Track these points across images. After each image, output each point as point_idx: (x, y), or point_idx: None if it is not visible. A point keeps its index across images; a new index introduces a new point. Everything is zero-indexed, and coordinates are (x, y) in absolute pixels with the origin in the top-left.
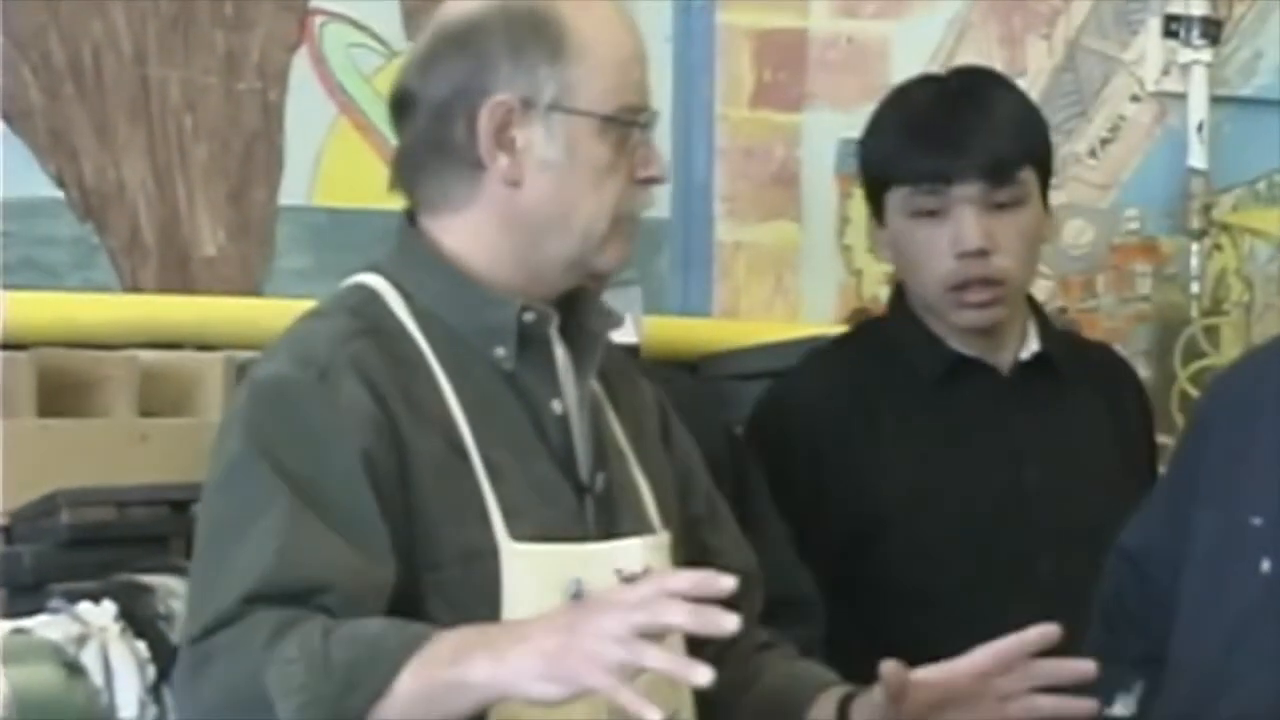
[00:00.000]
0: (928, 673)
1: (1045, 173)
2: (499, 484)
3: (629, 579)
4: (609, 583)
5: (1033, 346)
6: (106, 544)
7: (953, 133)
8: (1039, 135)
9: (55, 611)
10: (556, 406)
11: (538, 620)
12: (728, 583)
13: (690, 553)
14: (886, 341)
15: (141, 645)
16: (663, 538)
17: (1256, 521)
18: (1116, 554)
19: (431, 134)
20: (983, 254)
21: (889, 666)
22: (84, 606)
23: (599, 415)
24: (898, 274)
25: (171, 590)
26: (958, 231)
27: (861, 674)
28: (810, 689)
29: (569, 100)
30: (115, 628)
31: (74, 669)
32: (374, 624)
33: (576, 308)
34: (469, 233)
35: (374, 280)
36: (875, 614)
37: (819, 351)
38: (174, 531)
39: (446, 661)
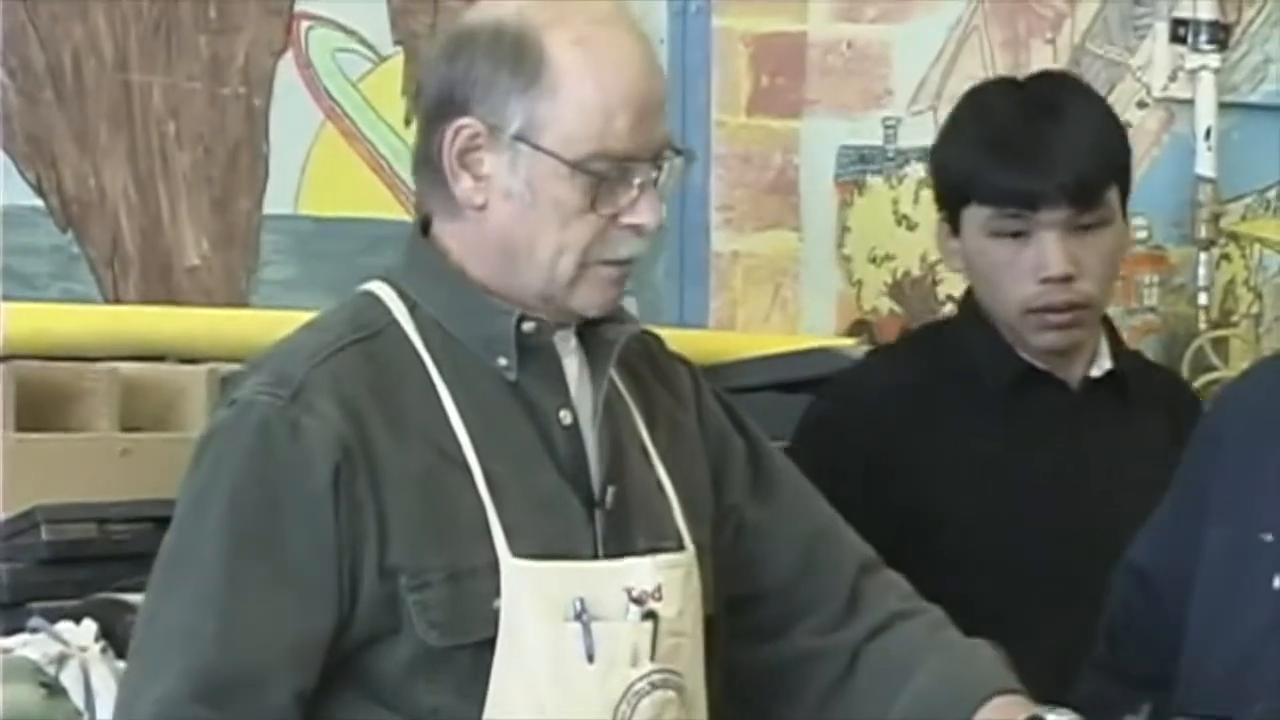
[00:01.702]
0: None
1: (1126, 188)
2: (499, 498)
3: (639, 599)
4: (618, 602)
5: (1104, 364)
6: (87, 561)
7: (1038, 153)
8: (1122, 151)
9: (35, 631)
10: (565, 417)
11: None
12: None
13: (725, 541)
14: (954, 346)
15: (122, 665)
16: (682, 556)
17: (1268, 538)
18: (1123, 570)
19: (421, 143)
20: (1067, 279)
21: None
22: (64, 626)
23: (619, 424)
24: (971, 285)
25: None
26: (1041, 257)
27: None
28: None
29: (534, 136)
30: (96, 648)
31: (54, 690)
32: None
33: (593, 319)
34: (465, 242)
35: (380, 288)
36: None
37: (878, 352)
38: (156, 549)
39: None
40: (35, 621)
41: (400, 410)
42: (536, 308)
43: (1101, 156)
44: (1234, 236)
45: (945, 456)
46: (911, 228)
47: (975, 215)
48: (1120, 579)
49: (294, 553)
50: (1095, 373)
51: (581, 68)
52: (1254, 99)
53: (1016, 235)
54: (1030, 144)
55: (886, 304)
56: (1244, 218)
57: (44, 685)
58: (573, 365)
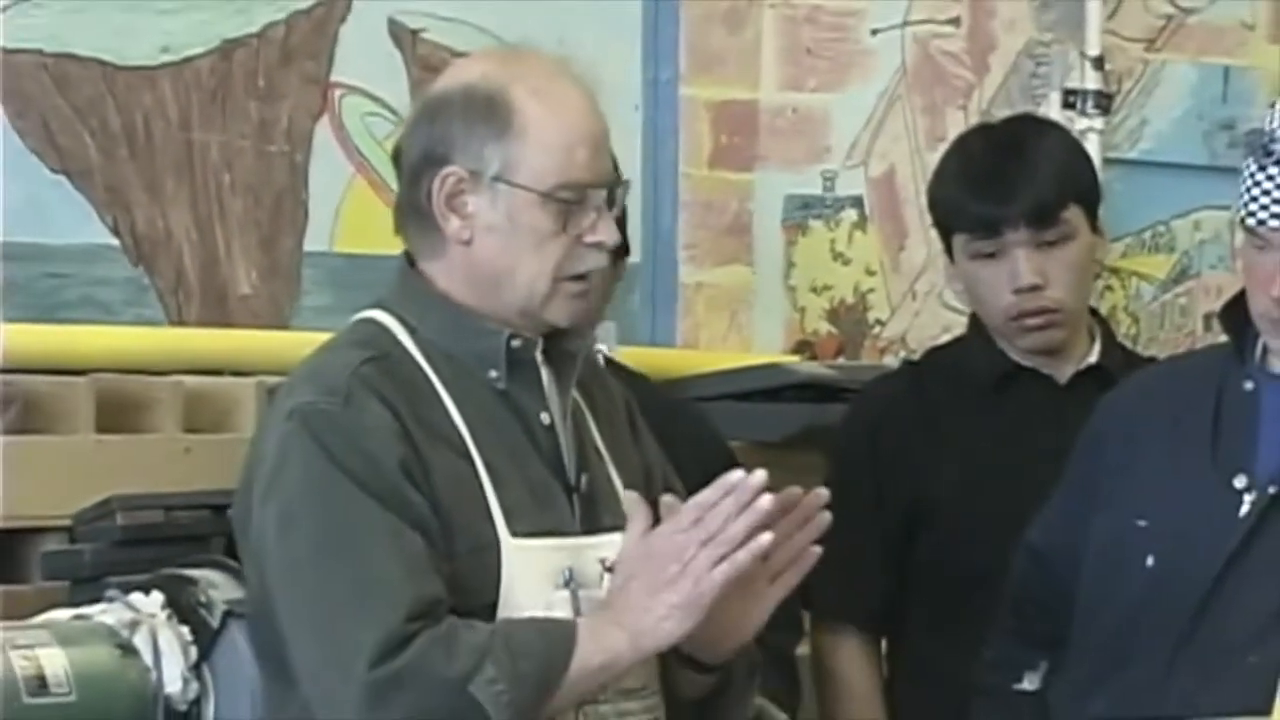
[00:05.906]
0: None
1: (1091, 204)
2: (500, 487)
3: (611, 568)
4: (595, 571)
5: (1090, 359)
6: (155, 542)
7: (1000, 184)
8: (1080, 173)
9: (111, 601)
10: (545, 418)
11: (634, 590)
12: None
13: None
14: (954, 357)
15: (185, 630)
16: None
17: (1142, 523)
18: (1024, 550)
19: (407, 193)
20: (1036, 289)
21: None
22: (135, 596)
23: (581, 423)
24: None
25: (211, 582)
26: (1012, 271)
27: (922, 645)
28: None
29: (510, 175)
30: (163, 615)
31: (127, 650)
32: (530, 632)
33: (558, 333)
34: (446, 278)
35: (380, 315)
36: (930, 595)
37: (896, 369)
38: (214, 532)
39: (594, 652)
40: (111, 593)
41: (421, 414)
42: (517, 324)
43: (1057, 182)
44: (1115, 271)
45: (940, 448)
46: (846, 263)
47: (958, 242)
48: (1020, 557)
49: (397, 503)
50: (1080, 367)
51: (546, 113)
52: (1133, 155)
53: (992, 256)
54: (994, 177)
55: (825, 327)
56: (1124, 255)
57: (119, 646)
58: (545, 375)
